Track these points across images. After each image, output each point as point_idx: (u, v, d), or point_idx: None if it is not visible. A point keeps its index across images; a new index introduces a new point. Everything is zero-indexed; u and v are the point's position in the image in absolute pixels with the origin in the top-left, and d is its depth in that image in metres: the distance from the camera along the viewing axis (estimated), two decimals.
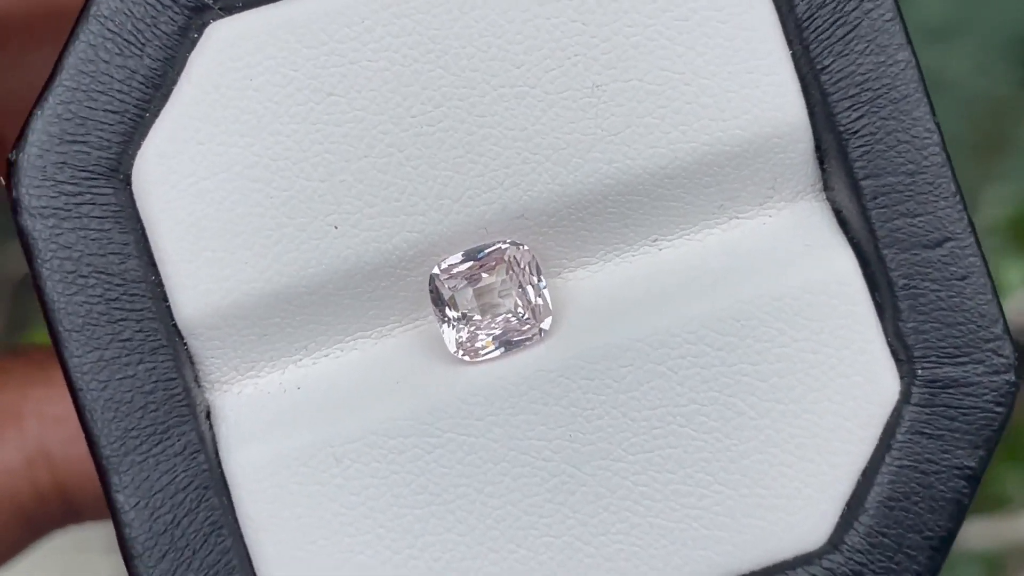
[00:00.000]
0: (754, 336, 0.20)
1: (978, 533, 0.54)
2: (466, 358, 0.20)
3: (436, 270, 0.20)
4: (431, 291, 0.20)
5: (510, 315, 0.20)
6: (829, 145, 0.21)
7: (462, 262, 0.20)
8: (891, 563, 0.20)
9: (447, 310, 0.20)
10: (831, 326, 0.20)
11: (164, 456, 0.20)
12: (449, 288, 0.20)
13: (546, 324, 0.20)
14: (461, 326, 0.20)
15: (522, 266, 0.20)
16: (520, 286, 0.20)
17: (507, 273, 0.20)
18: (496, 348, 0.20)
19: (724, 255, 0.21)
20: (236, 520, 0.20)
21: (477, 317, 0.20)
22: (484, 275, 0.20)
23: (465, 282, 0.20)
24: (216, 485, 0.20)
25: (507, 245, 0.20)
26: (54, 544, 0.30)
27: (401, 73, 0.20)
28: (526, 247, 0.20)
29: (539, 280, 0.20)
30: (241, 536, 0.20)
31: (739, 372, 0.20)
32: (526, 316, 0.20)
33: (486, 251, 0.20)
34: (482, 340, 0.20)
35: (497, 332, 0.20)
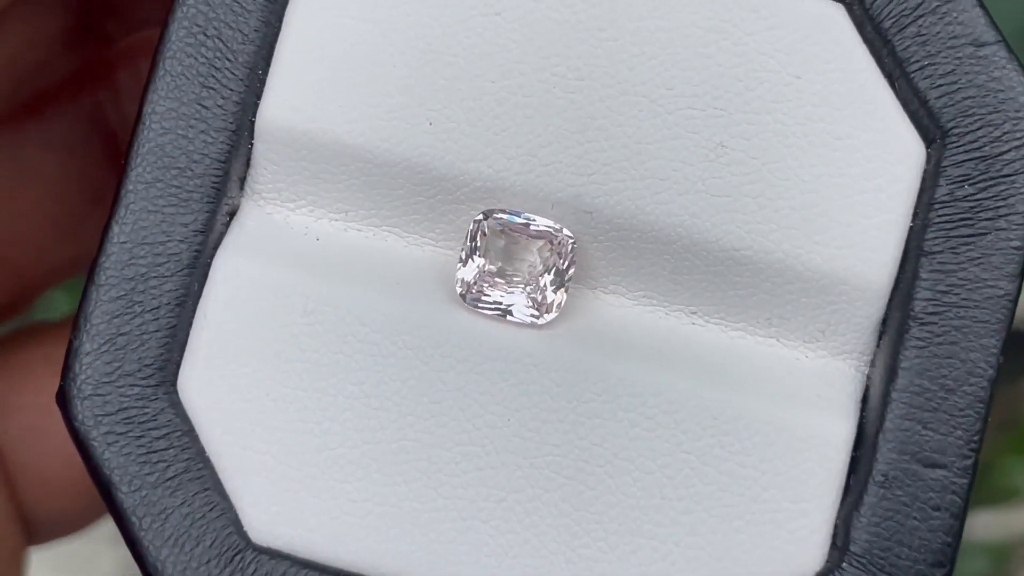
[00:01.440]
0: (721, 440, 0.20)
1: (985, 524, 0.52)
2: (464, 300, 0.20)
3: (487, 211, 0.20)
4: (472, 226, 0.20)
5: (524, 290, 0.20)
6: (892, 323, 0.20)
7: (514, 220, 0.20)
8: None
9: (473, 251, 0.20)
10: (794, 476, 0.20)
11: (171, 219, 0.20)
12: (488, 233, 0.20)
13: (547, 318, 0.20)
14: (475, 271, 0.20)
15: (561, 255, 0.20)
16: (546, 272, 0.20)
17: (545, 252, 0.20)
18: (493, 309, 0.20)
19: (743, 361, 0.21)
20: (194, 310, 0.20)
21: (494, 276, 0.20)
22: (525, 240, 0.20)
23: (505, 237, 0.20)
24: (198, 271, 0.20)
25: (560, 232, 0.20)
26: None
27: (567, 32, 0.21)
28: (575, 243, 0.20)
29: (567, 279, 0.20)
30: (189, 324, 0.20)
31: (686, 462, 0.20)
32: (536, 301, 0.20)
33: (540, 225, 0.20)
34: (487, 296, 0.20)
35: (503, 298, 0.20)
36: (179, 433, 0.20)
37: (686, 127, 0.20)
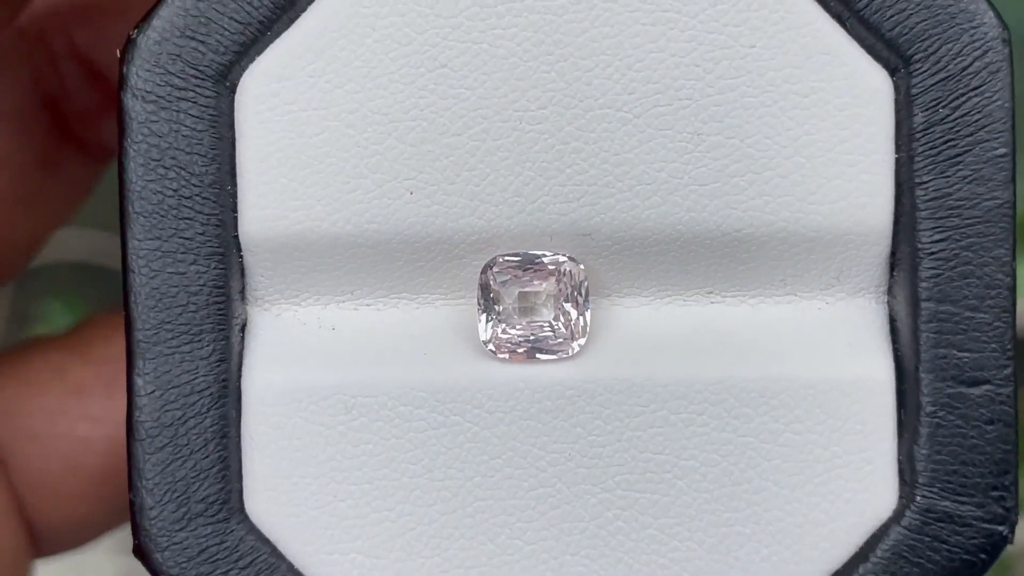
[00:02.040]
0: (772, 415, 0.21)
1: None
2: (494, 352, 0.21)
3: (491, 261, 0.21)
4: (481, 279, 0.21)
5: (547, 326, 0.21)
6: (903, 257, 0.21)
7: (518, 261, 0.21)
8: None
9: (490, 302, 0.21)
10: (849, 428, 0.21)
11: (190, 356, 0.21)
12: (498, 282, 0.21)
13: (578, 344, 0.21)
14: (498, 321, 0.21)
15: (573, 284, 0.21)
16: (565, 301, 0.21)
17: (557, 285, 0.21)
18: (524, 352, 0.21)
19: (770, 327, 0.21)
20: (239, 435, 0.21)
21: (515, 317, 0.21)
22: (535, 281, 0.21)
23: (515, 281, 0.21)
24: (231, 397, 0.21)
25: (565, 259, 0.21)
26: None
27: (517, 65, 0.20)
28: (582, 267, 0.21)
29: (585, 301, 0.21)
30: (239, 450, 0.21)
31: (746, 444, 0.21)
32: (563, 332, 0.21)
33: (544, 258, 0.21)
34: (514, 341, 0.21)
35: (530, 338, 0.21)
36: (264, 556, 0.21)
37: (658, 125, 0.20)
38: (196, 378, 0.21)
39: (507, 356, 0.21)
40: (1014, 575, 0.54)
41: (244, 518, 0.21)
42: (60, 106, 0.29)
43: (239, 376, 0.21)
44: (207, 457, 0.21)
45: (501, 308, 0.21)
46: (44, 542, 0.28)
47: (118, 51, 0.21)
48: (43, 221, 0.29)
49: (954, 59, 0.20)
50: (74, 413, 0.27)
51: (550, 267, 0.21)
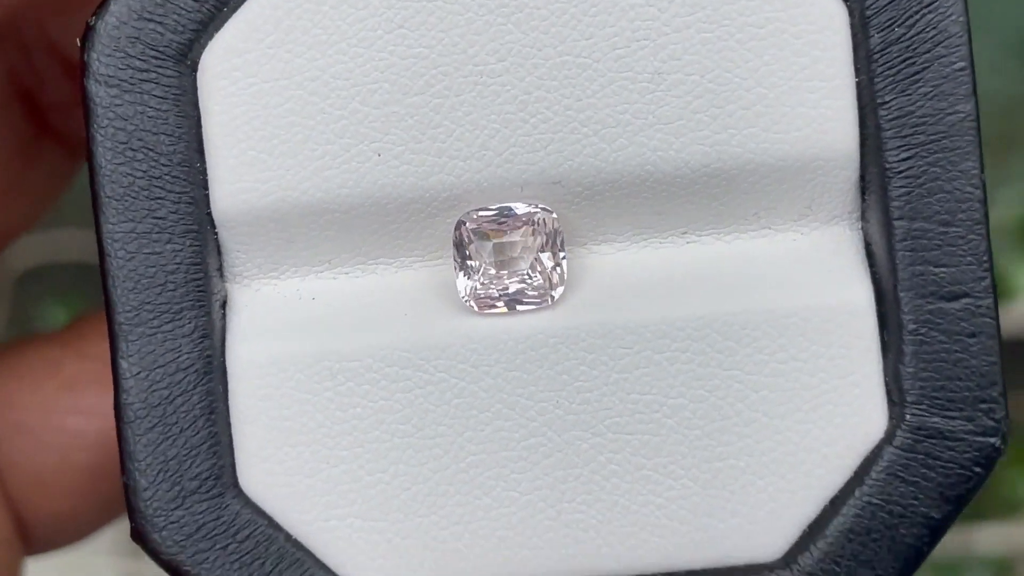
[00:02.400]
0: (755, 346, 0.21)
1: (988, 538, 0.53)
2: (473, 307, 0.21)
3: (464, 217, 0.21)
4: (455, 235, 0.21)
5: (525, 277, 0.21)
6: (872, 179, 0.21)
7: (491, 215, 0.21)
8: None
9: (466, 258, 0.21)
10: (833, 353, 0.21)
11: (172, 335, 0.21)
12: (472, 236, 0.21)
13: (557, 293, 0.21)
14: (475, 276, 0.21)
15: (547, 232, 0.21)
16: (540, 252, 0.21)
17: (531, 236, 0.21)
18: (503, 305, 0.21)
19: (747, 262, 0.21)
20: (227, 409, 0.21)
21: (492, 271, 0.21)
22: (509, 232, 0.21)
23: (488, 235, 0.21)
24: (216, 372, 0.21)
25: (538, 209, 0.21)
26: None
27: (473, 20, 0.21)
28: (555, 216, 0.21)
29: (560, 250, 0.21)
30: (229, 425, 0.21)
31: (733, 378, 0.21)
32: (540, 282, 0.21)
33: (517, 211, 0.21)
34: (492, 294, 0.21)
35: (508, 290, 0.21)
36: (261, 528, 0.21)
37: (618, 68, 0.21)
38: (180, 356, 0.21)
39: (487, 310, 0.21)
40: None
41: (239, 492, 0.21)
42: (36, 97, 0.29)
43: (223, 351, 0.21)
44: (197, 434, 0.21)
45: (477, 263, 0.21)
46: (35, 538, 0.28)
47: (78, 40, 0.21)
48: (21, 212, 0.29)
49: None
50: (66, 407, 0.27)
51: (523, 218, 0.21)
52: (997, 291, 0.21)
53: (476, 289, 0.21)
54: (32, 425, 0.27)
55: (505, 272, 0.21)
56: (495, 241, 0.21)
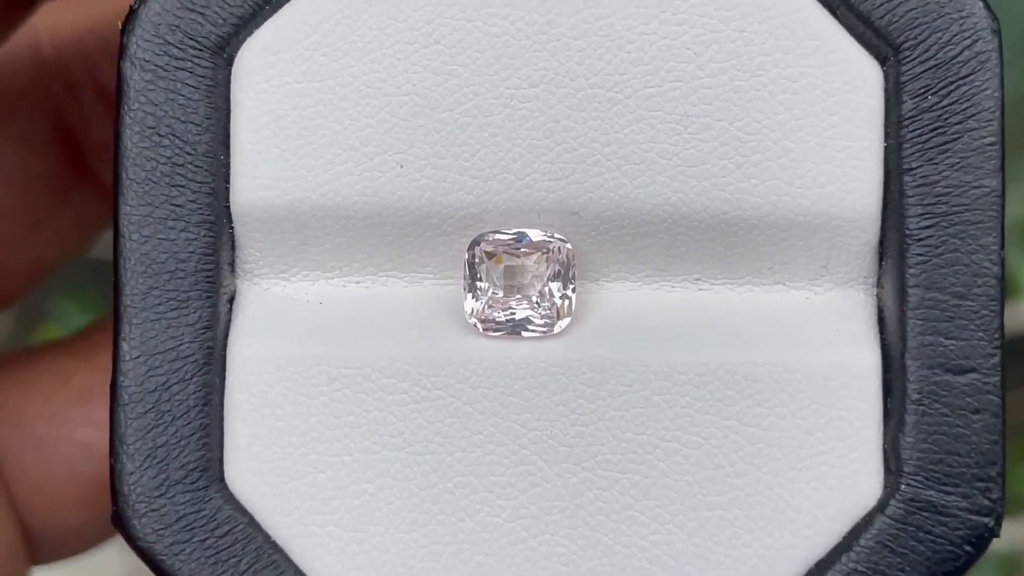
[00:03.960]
0: (756, 399, 0.20)
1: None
2: (478, 327, 0.21)
3: (479, 237, 0.21)
4: (468, 255, 0.21)
5: (533, 304, 0.21)
6: (891, 244, 0.21)
7: (506, 239, 0.21)
8: None
9: (476, 279, 0.21)
10: (834, 414, 0.20)
11: (177, 323, 0.21)
12: (484, 258, 0.21)
13: (561, 325, 0.21)
14: (484, 297, 0.21)
15: (560, 262, 0.21)
16: (551, 281, 0.21)
17: (544, 264, 0.21)
18: (508, 329, 0.21)
19: (757, 315, 0.21)
20: (222, 403, 0.21)
21: (500, 294, 0.21)
22: (520, 259, 0.21)
23: (501, 258, 0.21)
24: (216, 365, 0.21)
25: (553, 239, 0.21)
26: None
27: (510, 44, 0.21)
28: (570, 247, 0.21)
29: (571, 282, 0.21)
30: (221, 419, 0.21)
31: (730, 427, 0.20)
32: (547, 311, 0.21)
33: (532, 237, 0.21)
34: (498, 317, 0.21)
35: (515, 316, 0.21)
36: (241, 526, 0.20)
37: (647, 107, 0.21)
38: (181, 344, 0.21)
39: (491, 332, 0.21)
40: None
41: (223, 487, 0.21)
42: (79, 139, 0.29)
43: (224, 345, 0.21)
44: (189, 424, 0.21)
45: (486, 285, 0.21)
46: (41, 549, 0.28)
47: (119, 23, 0.21)
48: (49, 249, 0.29)
49: (943, 48, 0.20)
50: (77, 419, 0.27)
51: (537, 245, 0.21)
52: (1004, 366, 0.20)
53: (483, 311, 0.21)
54: (42, 437, 0.27)
55: (513, 297, 0.21)
56: (507, 264, 0.21)
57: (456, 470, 0.20)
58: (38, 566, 0.29)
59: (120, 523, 0.20)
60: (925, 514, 0.20)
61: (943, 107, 0.20)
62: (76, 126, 0.29)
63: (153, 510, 0.20)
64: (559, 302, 0.21)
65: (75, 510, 0.28)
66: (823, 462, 0.20)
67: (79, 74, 0.29)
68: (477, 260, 0.21)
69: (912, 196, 0.20)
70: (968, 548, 0.20)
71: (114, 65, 0.28)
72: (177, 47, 0.21)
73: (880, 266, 0.21)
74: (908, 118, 0.20)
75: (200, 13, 0.21)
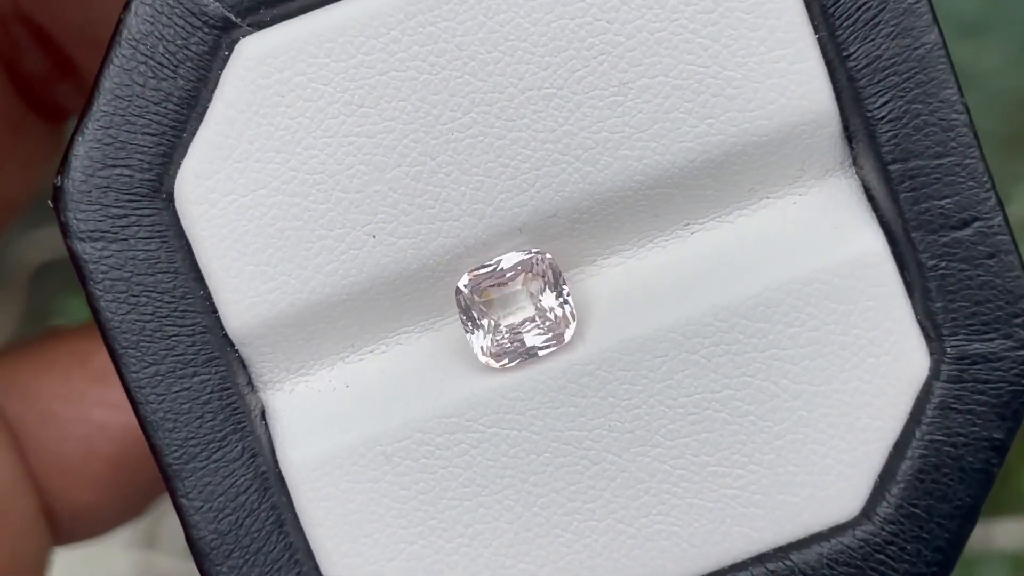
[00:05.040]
0: (785, 321, 0.21)
1: (1005, 533, 0.53)
2: (492, 364, 0.21)
3: (460, 281, 0.21)
4: (456, 300, 0.20)
5: (534, 324, 0.21)
6: (857, 128, 0.21)
7: (486, 272, 0.20)
8: (922, 532, 0.21)
9: (473, 319, 0.21)
10: (860, 307, 0.21)
11: (224, 461, 0.21)
12: (471, 298, 0.21)
13: (570, 332, 0.20)
14: (488, 334, 0.21)
15: (544, 276, 0.21)
16: (542, 294, 0.21)
17: (530, 282, 0.21)
18: (520, 359, 0.21)
19: (755, 238, 0.21)
20: (296, 517, 0.21)
21: (501, 326, 0.21)
22: (508, 285, 0.21)
23: (488, 292, 0.21)
24: (275, 484, 0.21)
25: (530, 254, 0.20)
26: None
27: (429, 81, 0.20)
28: (550, 256, 0.21)
29: (563, 286, 0.21)
30: (302, 531, 0.21)
31: (771, 357, 0.21)
32: (550, 322, 0.21)
33: (509, 262, 0.20)
34: (508, 348, 0.21)
35: (524, 341, 0.20)
36: None
37: (582, 89, 0.20)
38: (237, 480, 0.21)
39: (507, 363, 0.21)
40: None
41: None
42: (16, 69, 0.28)
43: (275, 462, 0.21)
44: (275, 549, 0.21)
45: (485, 322, 0.21)
46: (60, 528, 0.28)
47: (50, 202, 0.21)
48: (16, 187, 0.29)
49: None
50: (94, 399, 0.27)
51: (518, 267, 0.21)
52: (1005, 209, 0.21)
53: (491, 347, 0.21)
54: (59, 414, 0.27)
55: (513, 323, 0.21)
56: (496, 296, 0.21)
57: (536, 493, 0.21)
58: (59, 547, 0.29)
59: None
60: (977, 367, 0.21)
61: None
62: (13, 57, 0.28)
63: None
64: (559, 312, 0.21)
65: (90, 488, 0.28)
66: (868, 355, 0.21)
67: (4, 8, 0.28)
68: (467, 303, 0.21)
69: (861, 79, 0.20)
70: None
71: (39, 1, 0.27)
72: (115, 206, 0.20)
73: (852, 148, 0.21)
74: (830, 5, 0.20)
75: (124, 166, 0.20)
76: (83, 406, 0.28)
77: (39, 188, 0.31)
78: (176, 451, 0.21)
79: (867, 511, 0.21)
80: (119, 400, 0.28)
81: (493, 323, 0.21)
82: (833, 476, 0.21)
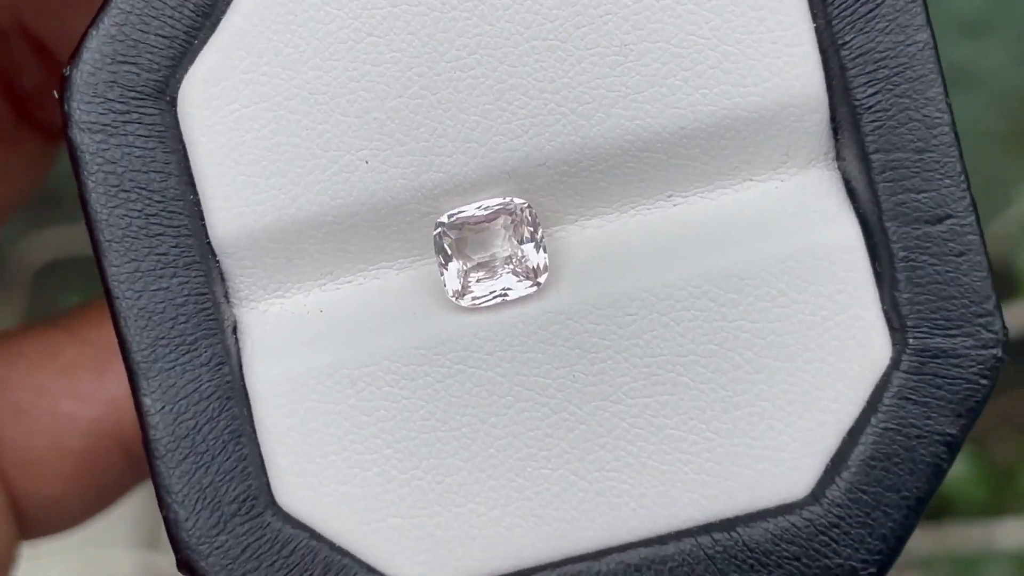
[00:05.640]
0: (756, 295, 0.21)
1: (1008, 533, 0.53)
2: (461, 303, 0.21)
3: (441, 219, 0.21)
4: (435, 239, 0.21)
5: (508, 268, 0.21)
6: (843, 118, 0.21)
7: (466, 215, 0.21)
8: (868, 519, 0.21)
9: (448, 259, 0.21)
10: (831, 290, 0.21)
11: (191, 365, 0.21)
12: (450, 237, 0.21)
13: (543, 279, 0.21)
14: (461, 275, 0.21)
15: (524, 222, 0.21)
16: (520, 242, 0.21)
17: (509, 226, 0.21)
18: (492, 298, 0.21)
19: (735, 215, 0.22)
20: (254, 430, 0.21)
21: (473, 266, 0.21)
22: (488, 226, 0.21)
23: (466, 232, 0.21)
24: (238, 396, 0.21)
25: (509, 200, 0.21)
26: (75, 538, 0.30)
27: (439, 19, 0.21)
28: (527, 204, 0.21)
29: (539, 237, 0.21)
30: (258, 445, 0.21)
31: (739, 328, 0.21)
32: (524, 268, 0.21)
33: (490, 205, 0.21)
34: (480, 289, 0.21)
35: (496, 283, 0.21)
36: (304, 541, 0.21)
37: (585, 46, 0.21)
38: (201, 385, 0.21)
39: (478, 304, 0.21)
40: None
41: (277, 510, 0.21)
42: (14, 85, 0.29)
43: (242, 375, 0.21)
44: (229, 459, 0.21)
45: (459, 261, 0.21)
46: (28, 522, 0.28)
47: (55, 91, 0.21)
48: (6, 198, 0.29)
49: None
50: (61, 391, 0.27)
51: (498, 210, 0.21)
52: (978, 212, 0.21)
53: (462, 285, 0.21)
54: (26, 407, 0.27)
55: (487, 263, 0.21)
56: (472, 235, 0.21)
57: (494, 435, 0.21)
58: (28, 541, 0.29)
59: (188, 569, 0.21)
60: (937, 360, 0.21)
61: None
62: (10, 72, 0.29)
63: (217, 548, 0.21)
64: (534, 259, 0.21)
65: (57, 481, 0.28)
66: (832, 337, 0.21)
67: (3, 20, 0.28)
68: (444, 239, 0.21)
69: (852, 68, 0.21)
70: (983, 381, 0.21)
71: (38, 12, 0.27)
72: (119, 102, 0.21)
73: (836, 140, 0.22)
74: None
75: (133, 63, 0.21)
76: (49, 398, 0.28)
77: (31, 198, 0.31)
78: (146, 349, 0.21)
79: (816, 493, 0.21)
80: (87, 392, 0.27)
81: (466, 262, 0.21)
82: (787, 454, 0.21)
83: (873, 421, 0.21)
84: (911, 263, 0.21)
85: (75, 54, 0.21)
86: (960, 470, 0.54)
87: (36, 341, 0.28)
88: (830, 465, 0.21)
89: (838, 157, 0.22)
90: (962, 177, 0.21)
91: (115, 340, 0.21)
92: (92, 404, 0.27)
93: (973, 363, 0.21)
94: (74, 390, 0.28)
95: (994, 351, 0.21)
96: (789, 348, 0.21)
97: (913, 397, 0.21)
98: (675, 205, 0.22)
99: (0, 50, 0.28)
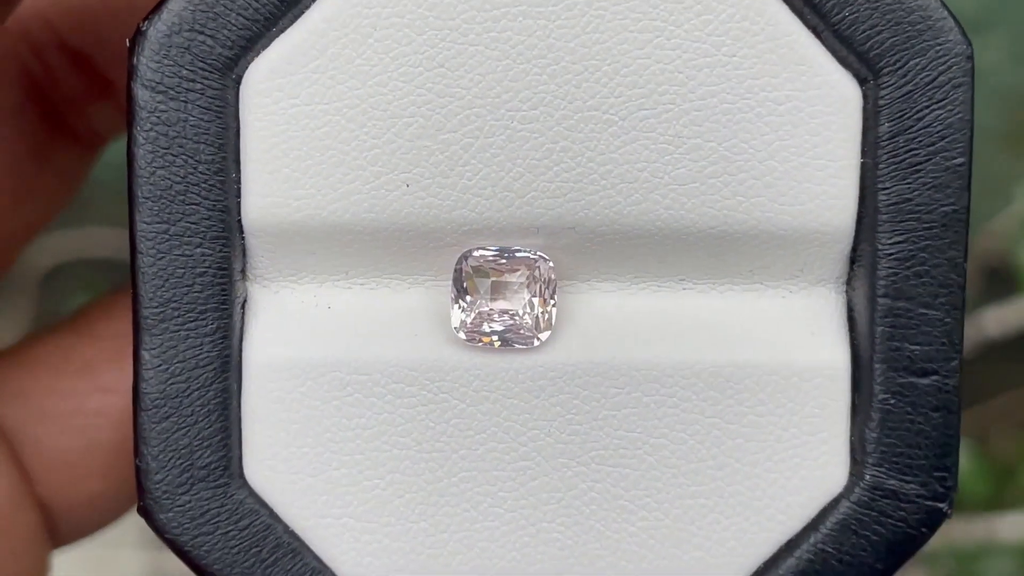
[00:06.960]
0: (737, 398, 0.22)
1: (1010, 526, 0.54)
2: (463, 338, 0.22)
3: (466, 253, 0.22)
4: (455, 271, 0.22)
5: (516, 316, 0.22)
6: (864, 254, 0.22)
7: (491, 255, 0.22)
8: None
9: (463, 293, 0.22)
10: (808, 412, 0.22)
11: (195, 333, 0.22)
12: (472, 272, 0.22)
13: (542, 338, 0.22)
14: (470, 311, 0.22)
15: (542, 280, 0.22)
16: (533, 296, 0.22)
17: (528, 280, 0.22)
18: (494, 340, 0.22)
19: (738, 315, 0.23)
20: (240, 406, 0.22)
21: (486, 308, 0.22)
22: (505, 274, 0.22)
23: (488, 273, 0.22)
24: (233, 371, 0.22)
25: (536, 256, 0.22)
26: (84, 539, 0.29)
27: (511, 67, 0.21)
28: (551, 264, 0.22)
29: (552, 298, 0.22)
30: (239, 420, 0.22)
31: (713, 425, 0.22)
32: (529, 323, 0.22)
33: (518, 253, 0.22)
34: (484, 330, 0.22)
35: (499, 329, 0.22)
36: (262, 518, 0.22)
37: (641, 128, 0.22)
38: (200, 353, 0.22)
39: (477, 343, 0.22)
40: None
41: (244, 483, 0.22)
42: (49, 96, 0.29)
43: (240, 351, 0.22)
44: (209, 426, 0.22)
45: (473, 299, 0.22)
46: (63, 529, 0.28)
47: (127, 40, 0.21)
48: (38, 213, 0.29)
49: (920, 73, 0.22)
50: (86, 388, 0.27)
51: (521, 261, 0.22)
52: (962, 367, 0.22)
53: (469, 323, 0.22)
54: (54, 410, 0.27)
55: (498, 310, 0.22)
56: (493, 280, 0.22)
57: (461, 466, 0.22)
58: (60, 548, 0.29)
59: (147, 517, 0.22)
60: (886, 500, 0.22)
61: (917, 130, 0.22)
62: (46, 85, 0.29)
63: (178, 505, 0.22)
64: (541, 316, 0.22)
65: (95, 480, 0.28)
66: (796, 454, 0.22)
67: (40, 34, 0.29)
68: (464, 275, 0.22)
69: (885, 213, 0.22)
70: (924, 530, 0.22)
71: (72, 19, 0.28)
72: (187, 68, 0.21)
73: (852, 269, 0.22)
74: (885, 139, 0.22)
75: (209, 35, 0.21)
76: (76, 398, 0.28)
77: (63, 209, 0.31)
78: (156, 308, 0.22)
79: None
80: (111, 383, 0.28)
81: (478, 303, 0.22)
82: (724, 549, 0.22)
83: (812, 539, 0.22)
84: (888, 406, 0.22)
85: (155, 10, 0.21)
86: (963, 465, 0.55)
87: (51, 346, 0.28)
88: (761, 568, 0.22)
89: (848, 284, 0.22)
90: (957, 339, 0.22)
91: (130, 330, 0.21)
92: (117, 395, 0.28)
93: (919, 511, 0.22)
94: (99, 385, 0.28)
95: (942, 505, 0.22)
96: (754, 455, 0.22)
97: (855, 528, 0.22)
98: (684, 289, 0.23)
99: (35, 63, 0.28)
